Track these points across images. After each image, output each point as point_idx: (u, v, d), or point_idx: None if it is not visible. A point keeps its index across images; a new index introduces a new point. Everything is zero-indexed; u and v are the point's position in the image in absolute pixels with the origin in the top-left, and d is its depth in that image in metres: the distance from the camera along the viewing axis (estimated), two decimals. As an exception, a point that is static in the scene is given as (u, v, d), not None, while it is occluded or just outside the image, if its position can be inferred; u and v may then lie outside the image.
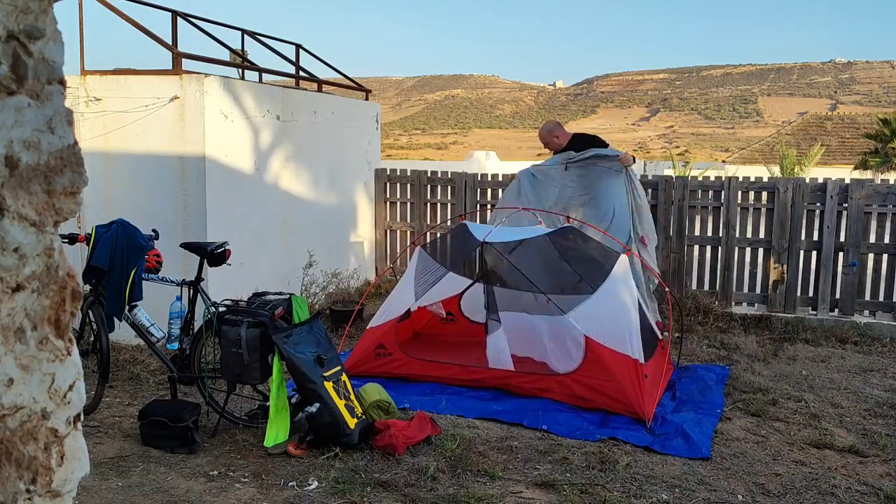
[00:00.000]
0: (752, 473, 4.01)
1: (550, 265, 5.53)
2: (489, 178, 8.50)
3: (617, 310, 4.97)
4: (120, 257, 4.55)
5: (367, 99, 9.04)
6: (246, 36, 7.89)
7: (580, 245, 5.59)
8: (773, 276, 7.45)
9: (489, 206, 8.28)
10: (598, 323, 4.91)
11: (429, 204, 8.63)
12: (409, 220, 8.72)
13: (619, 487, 3.80)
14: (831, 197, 7.21)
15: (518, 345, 5.43)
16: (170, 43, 6.21)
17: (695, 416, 4.76)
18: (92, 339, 4.80)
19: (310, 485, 3.78)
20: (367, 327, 5.79)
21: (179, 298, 4.70)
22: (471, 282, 6.51)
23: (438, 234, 8.00)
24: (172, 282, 4.75)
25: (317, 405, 4.15)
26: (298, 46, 8.49)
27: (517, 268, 5.41)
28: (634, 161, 6.55)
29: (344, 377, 4.40)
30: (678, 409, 4.96)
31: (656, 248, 6.86)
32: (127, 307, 4.61)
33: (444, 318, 6.51)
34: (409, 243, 8.43)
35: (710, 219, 7.62)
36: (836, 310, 7.33)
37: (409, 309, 5.89)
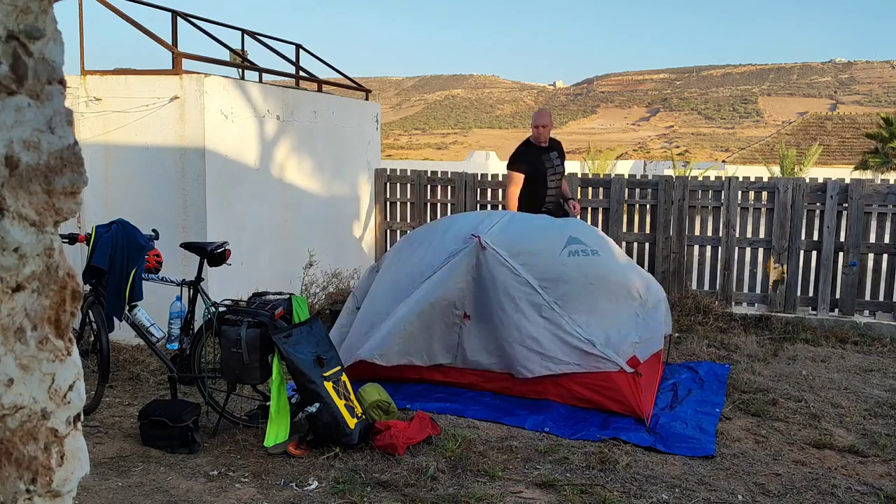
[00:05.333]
0: (752, 473, 4.01)
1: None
2: (489, 178, 8.49)
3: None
4: (120, 257, 4.55)
5: (367, 99, 9.04)
6: (246, 36, 7.89)
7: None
8: (773, 276, 7.45)
9: (489, 206, 8.28)
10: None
11: (429, 204, 8.63)
12: (409, 220, 8.72)
13: (619, 487, 3.80)
14: (831, 197, 7.22)
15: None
16: (170, 43, 6.21)
17: (696, 416, 4.76)
18: (92, 339, 4.79)
19: (310, 485, 3.78)
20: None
21: (179, 298, 4.70)
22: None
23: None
24: (172, 282, 4.75)
25: (317, 405, 4.15)
26: (298, 46, 8.49)
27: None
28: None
29: (344, 377, 4.40)
30: (679, 408, 4.96)
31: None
32: (127, 307, 4.61)
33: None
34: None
35: (710, 219, 7.62)
36: (836, 310, 7.33)
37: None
